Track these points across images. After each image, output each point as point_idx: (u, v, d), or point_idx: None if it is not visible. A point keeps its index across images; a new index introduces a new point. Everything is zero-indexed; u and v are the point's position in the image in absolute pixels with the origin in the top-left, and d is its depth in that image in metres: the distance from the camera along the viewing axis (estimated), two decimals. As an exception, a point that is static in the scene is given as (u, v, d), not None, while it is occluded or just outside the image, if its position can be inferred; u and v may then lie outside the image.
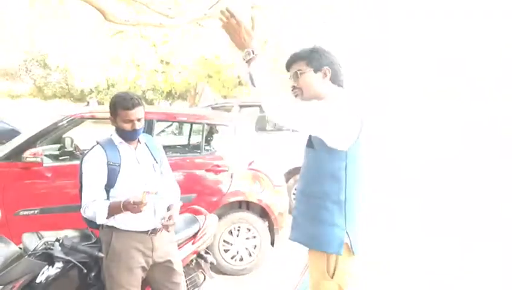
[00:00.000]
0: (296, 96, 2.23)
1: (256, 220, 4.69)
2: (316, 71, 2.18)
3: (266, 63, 2.04)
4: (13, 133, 7.00)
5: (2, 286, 2.18)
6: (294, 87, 2.23)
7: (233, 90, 16.38)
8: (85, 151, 2.67)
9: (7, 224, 4.03)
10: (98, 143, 2.64)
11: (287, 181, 5.31)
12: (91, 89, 17.22)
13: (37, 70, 23.54)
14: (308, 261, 2.26)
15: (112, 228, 2.56)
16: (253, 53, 2.01)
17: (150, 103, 23.24)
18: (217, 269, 4.43)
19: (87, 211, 2.52)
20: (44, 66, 21.46)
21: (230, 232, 4.63)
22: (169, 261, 2.70)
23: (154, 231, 2.62)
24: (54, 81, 23.75)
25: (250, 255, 4.70)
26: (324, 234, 2.10)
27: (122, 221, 2.54)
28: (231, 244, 4.63)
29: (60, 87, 24.00)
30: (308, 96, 2.19)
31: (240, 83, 15.98)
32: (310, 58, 2.20)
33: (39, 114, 19.13)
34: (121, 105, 2.55)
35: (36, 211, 4.10)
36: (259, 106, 8.79)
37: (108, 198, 2.56)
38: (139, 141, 2.70)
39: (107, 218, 2.49)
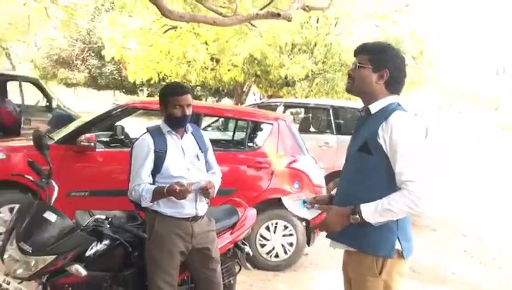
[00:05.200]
0: (347, 83, 2.24)
1: (293, 218, 4.77)
2: (374, 70, 2.15)
3: (367, 205, 2.06)
4: (69, 119, 7.36)
5: (56, 255, 2.37)
6: (349, 76, 2.22)
7: (280, 90, 16.45)
8: (135, 139, 2.85)
9: (59, 204, 4.31)
10: (147, 131, 2.81)
11: (326, 184, 5.36)
12: (142, 82, 17.70)
13: (93, 60, 24.49)
14: (347, 260, 2.27)
15: (156, 212, 2.72)
16: (354, 213, 2.06)
17: (198, 98, 23.68)
18: (252, 263, 4.55)
19: (133, 194, 2.70)
20: (99, 57, 22.26)
21: (268, 228, 4.74)
22: (207, 249, 2.83)
23: (195, 219, 2.77)
24: (107, 72, 24.64)
25: (285, 252, 4.79)
26: (376, 237, 2.09)
27: (165, 207, 2.70)
28: (268, 240, 4.74)
29: (113, 78, 24.87)
30: (356, 90, 2.20)
31: (286, 84, 16.04)
32: (375, 55, 2.16)
33: (92, 102, 19.93)
34: (171, 92, 2.74)
35: (86, 193, 4.36)
36: (304, 107, 8.87)
37: (153, 183, 2.72)
38: (185, 130, 2.84)
39: (151, 202, 2.65)
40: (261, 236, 4.72)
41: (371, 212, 2.03)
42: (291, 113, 8.60)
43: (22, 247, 2.33)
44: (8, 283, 2.41)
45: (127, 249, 2.64)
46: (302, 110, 9.02)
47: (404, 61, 2.24)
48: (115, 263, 2.69)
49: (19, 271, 2.39)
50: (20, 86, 8.52)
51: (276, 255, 4.77)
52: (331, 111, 7.44)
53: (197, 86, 20.35)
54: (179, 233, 2.72)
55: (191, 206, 2.74)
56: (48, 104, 8.95)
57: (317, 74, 14.91)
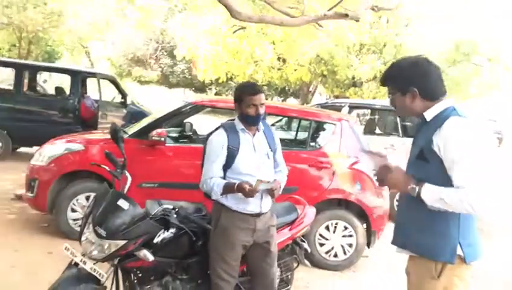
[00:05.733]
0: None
1: (353, 219, 4.77)
2: (403, 94, 2.18)
3: (430, 187, 2.07)
4: (142, 115, 7.77)
5: (127, 240, 2.57)
6: (392, 105, 2.28)
7: (347, 90, 16.28)
8: (209, 132, 2.98)
9: (130, 194, 4.59)
10: (222, 126, 2.92)
11: (390, 186, 5.29)
12: (211, 81, 18.20)
13: (165, 59, 25.50)
14: (410, 265, 2.28)
15: (223, 205, 2.85)
16: (416, 186, 2.09)
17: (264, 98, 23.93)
18: (310, 260, 4.60)
19: (205, 186, 2.83)
20: (171, 56, 23.15)
21: (327, 228, 4.77)
22: (267, 243, 2.93)
23: (258, 215, 2.86)
24: (178, 71, 25.55)
25: (344, 253, 4.80)
26: (437, 243, 2.10)
27: (232, 201, 2.82)
28: (327, 240, 4.77)
29: (183, 77, 25.76)
30: (402, 114, 2.25)
31: (354, 84, 15.86)
32: (396, 80, 2.22)
33: (164, 99, 20.76)
34: (246, 91, 2.84)
35: (156, 185, 4.62)
36: (370, 108, 8.75)
37: (224, 178, 2.84)
38: (257, 129, 2.94)
39: (221, 195, 2.78)
40: (321, 235, 4.76)
41: (430, 193, 2.04)
42: (358, 115, 8.53)
43: (98, 231, 2.54)
44: (85, 263, 2.64)
45: (191, 238, 2.79)
46: (368, 111, 8.89)
47: (430, 66, 2.19)
48: (180, 251, 2.85)
49: (94, 253, 2.61)
50: (98, 83, 9.07)
51: (335, 255, 4.79)
52: (397, 113, 7.30)
53: (264, 85, 20.60)
54: (242, 227, 2.83)
55: (256, 204, 2.83)
56: (122, 100, 9.47)
57: (386, 75, 14.60)
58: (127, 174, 2.88)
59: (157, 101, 18.49)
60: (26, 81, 9.18)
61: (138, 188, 4.46)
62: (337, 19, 7.46)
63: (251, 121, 2.86)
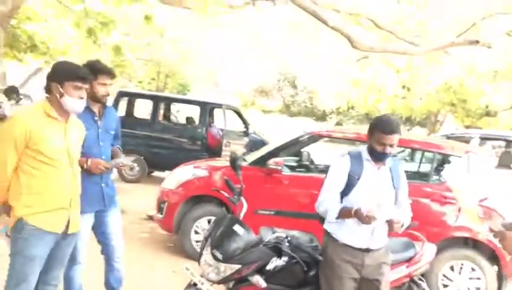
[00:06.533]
0: None
1: (482, 261, 4.37)
2: None
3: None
4: (262, 144, 8.06)
5: (241, 265, 2.68)
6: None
7: (479, 120, 15.11)
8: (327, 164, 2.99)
9: (247, 219, 4.76)
10: (348, 154, 2.91)
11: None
12: (332, 110, 18.25)
13: (287, 89, 26.22)
14: None
15: (331, 237, 2.83)
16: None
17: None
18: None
19: (320, 207, 2.83)
20: (293, 86, 23.76)
21: (452, 268, 4.43)
22: (377, 280, 2.82)
23: (367, 250, 2.78)
24: (300, 100, 26.06)
25: (471, 297, 4.41)
26: None
27: (341, 232, 2.78)
28: (451, 281, 4.43)
29: (304, 106, 26.20)
30: None
31: (487, 114, 14.67)
32: None
33: (285, 128, 21.22)
34: (379, 128, 2.74)
35: (272, 212, 4.72)
36: (505, 140, 8.01)
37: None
38: (384, 163, 2.85)
39: (336, 218, 2.73)
40: (444, 276, 4.43)
41: None
42: (493, 147, 7.88)
43: (215, 253, 2.69)
44: (202, 284, 2.80)
45: (303, 268, 2.81)
46: (503, 143, 8.15)
47: None
48: (292, 280, 2.88)
49: (211, 275, 2.76)
50: (224, 113, 9.64)
51: (459, 299, 4.42)
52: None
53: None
54: (349, 261, 2.77)
55: (365, 238, 2.76)
56: (245, 129, 9.92)
57: (525, 104, 13.29)
58: (243, 200, 3.01)
59: (279, 130, 18.96)
60: (161, 111, 10.10)
61: (254, 215, 4.61)
62: (466, 45, 7.05)
63: (377, 157, 2.80)
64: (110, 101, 4.18)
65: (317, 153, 6.36)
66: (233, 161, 3.08)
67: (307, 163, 5.88)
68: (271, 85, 26.33)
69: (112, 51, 11.86)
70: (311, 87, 16.40)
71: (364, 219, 2.56)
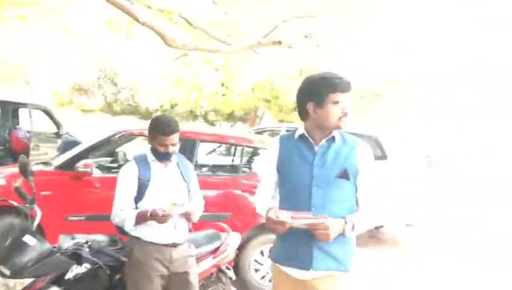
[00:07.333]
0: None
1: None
2: None
3: (358, 218, 2.17)
4: (75, 145, 7.54)
5: (35, 278, 2.45)
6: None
7: (290, 114, 16.56)
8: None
9: (57, 228, 4.40)
10: (134, 158, 2.90)
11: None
12: (156, 108, 18.07)
13: (108, 87, 25.02)
14: None
15: (136, 238, 2.79)
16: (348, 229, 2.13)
17: (212, 123, 23.87)
18: (247, 287, 4.56)
19: (116, 219, 2.79)
20: (114, 84, 22.83)
21: (262, 253, 4.75)
22: (186, 273, 2.87)
23: (173, 245, 2.82)
24: (122, 99, 25.11)
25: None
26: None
27: (145, 232, 2.77)
28: (262, 265, 4.74)
29: (128, 104, 25.31)
30: None
31: (295, 108, 16.17)
32: None
33: (108, 129, 20.25)
34: (160, 130, 2.77)
35: (83, 218, 4.45)
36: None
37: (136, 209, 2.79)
38: (170, 160, 2.91)
39: (134, 225, 2.72)
40: (256, 261, 4.72)
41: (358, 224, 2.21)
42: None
43: (1, 270, 2.41)
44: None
45: (106, 272, 2.70)
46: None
47: None
48: (96, 286, 2.75)
49: (2, 292, 2.47)
50: (30, 113, 8.77)
51: (270, 280, 4.76)
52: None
53: (210, 111, 20.68)
54: (158, 257, 2.77)
55: (169, 234, 2.79)
56: (57, 130, 9.19)
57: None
58: (37, 208, 2.76)
59: (101, 131, 17.98)
60: None
61: (65, 222, 4.32)
62: (271, 45, 7.63)
63: (161, 157, 2.85)
64: None
65: (137, 152, 6.18)
66: (23, 166, 2.81)
67: (123, 163, 5.69)
68: (90, 83, 24.84)
69: None
70: (133, 85, 15.97)
71: (160, 219, 2.61)
